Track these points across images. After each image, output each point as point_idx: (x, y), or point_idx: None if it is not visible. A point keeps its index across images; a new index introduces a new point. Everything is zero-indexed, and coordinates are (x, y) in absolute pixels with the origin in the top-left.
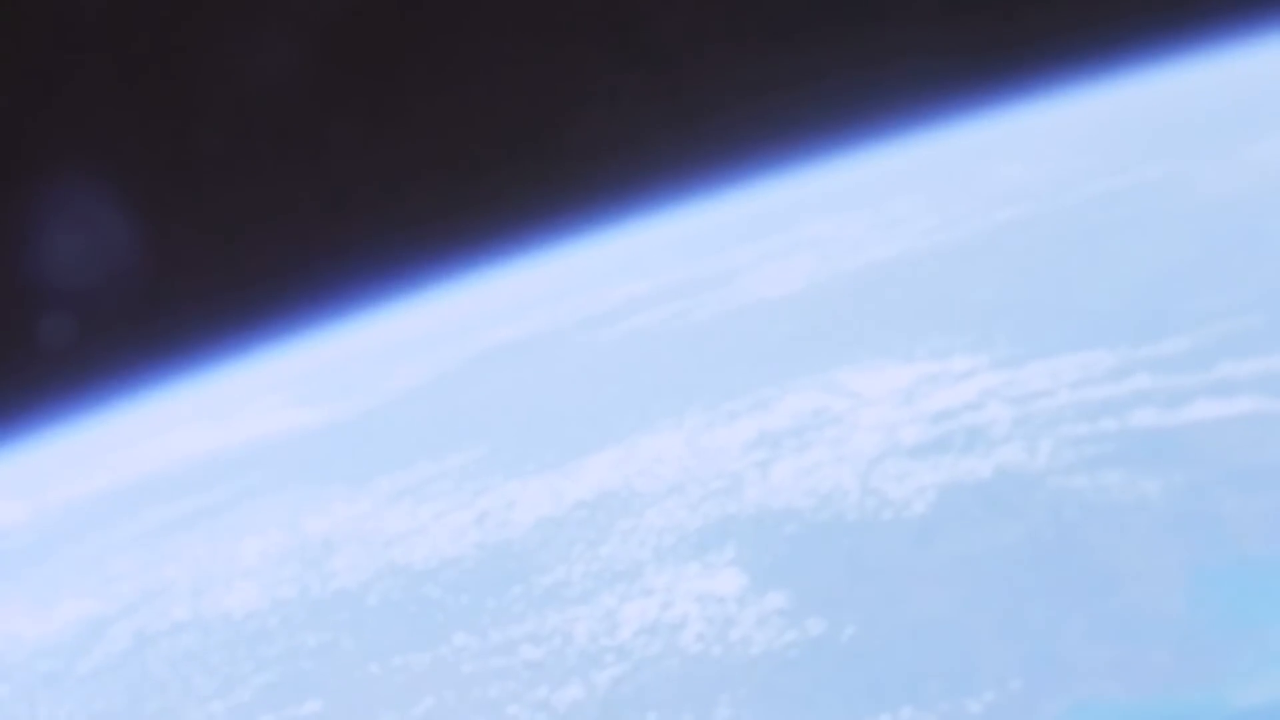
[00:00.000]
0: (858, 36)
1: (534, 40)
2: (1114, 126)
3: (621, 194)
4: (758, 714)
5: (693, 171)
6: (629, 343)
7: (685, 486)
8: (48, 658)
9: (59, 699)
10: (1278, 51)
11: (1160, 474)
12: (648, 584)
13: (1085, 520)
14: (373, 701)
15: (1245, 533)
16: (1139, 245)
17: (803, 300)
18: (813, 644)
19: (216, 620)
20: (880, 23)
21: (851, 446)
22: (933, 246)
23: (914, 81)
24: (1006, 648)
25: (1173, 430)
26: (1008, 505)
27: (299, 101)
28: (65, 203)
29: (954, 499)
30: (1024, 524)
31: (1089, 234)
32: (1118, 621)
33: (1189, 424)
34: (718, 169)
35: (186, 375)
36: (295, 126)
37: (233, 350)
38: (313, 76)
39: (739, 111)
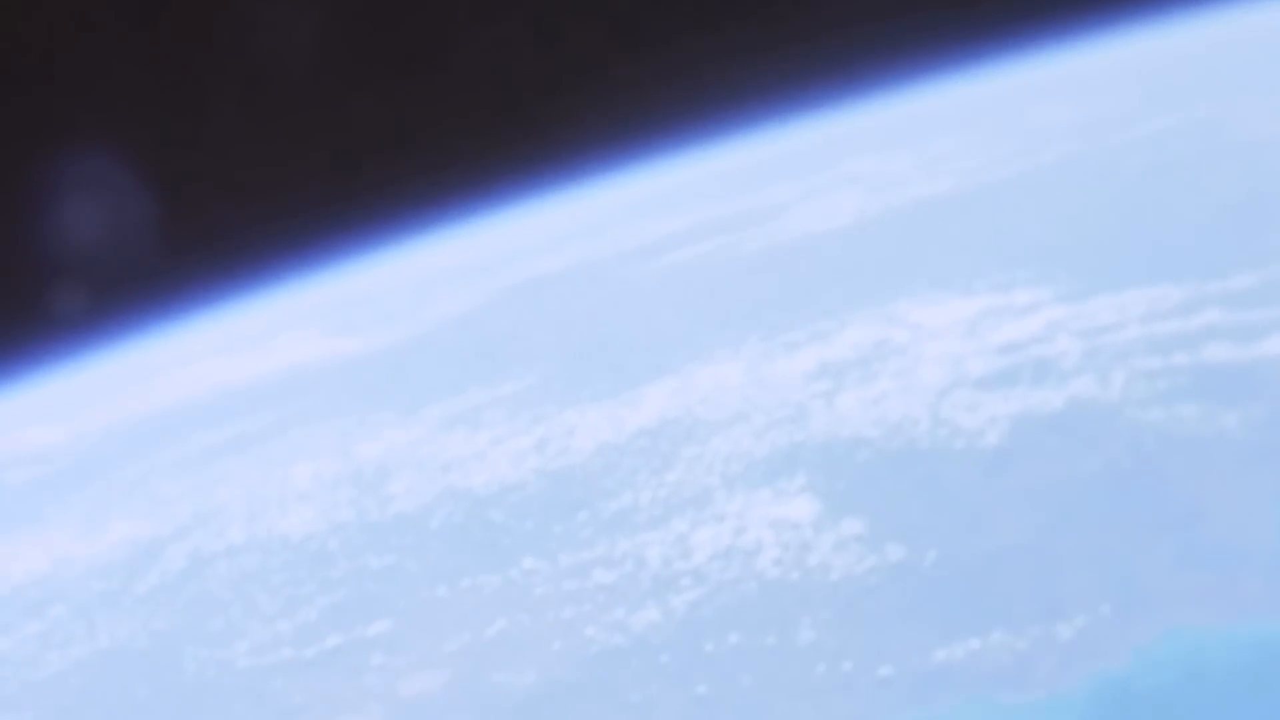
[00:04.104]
0: None
1: None
2: (1159, 68)
3: (659, 130)
4: (842, 637)
5: (731, 108)
6: (675, 275)
7: (749, 415)
8: (103, 578)
9: (119, 617)
10: None
11: (1238, 406)
12: (719, 510)
13: (1165, 451)
14: (444, 623)
15: None
16: (1193, 183)
17: (852, 235)
18: (894, 569)
19: (274, 542)
20: None
21: (917, 377)
22: (980, 184)
23: (951, 21)
24: (1093, 574)
25: (1247, 364)
26: (1084, 436)
27: (341, 36)
28: (106, 134)
29: (1028, 429)
30: (1102, 454)
31: (1141, 172)
32: (1204, 550)
33: (1264, 358)
34: (757, 106)
35: (223, 305)
36: (335, 61)
37: (269, 280)
38: (352, 12)
39: (778, 49)
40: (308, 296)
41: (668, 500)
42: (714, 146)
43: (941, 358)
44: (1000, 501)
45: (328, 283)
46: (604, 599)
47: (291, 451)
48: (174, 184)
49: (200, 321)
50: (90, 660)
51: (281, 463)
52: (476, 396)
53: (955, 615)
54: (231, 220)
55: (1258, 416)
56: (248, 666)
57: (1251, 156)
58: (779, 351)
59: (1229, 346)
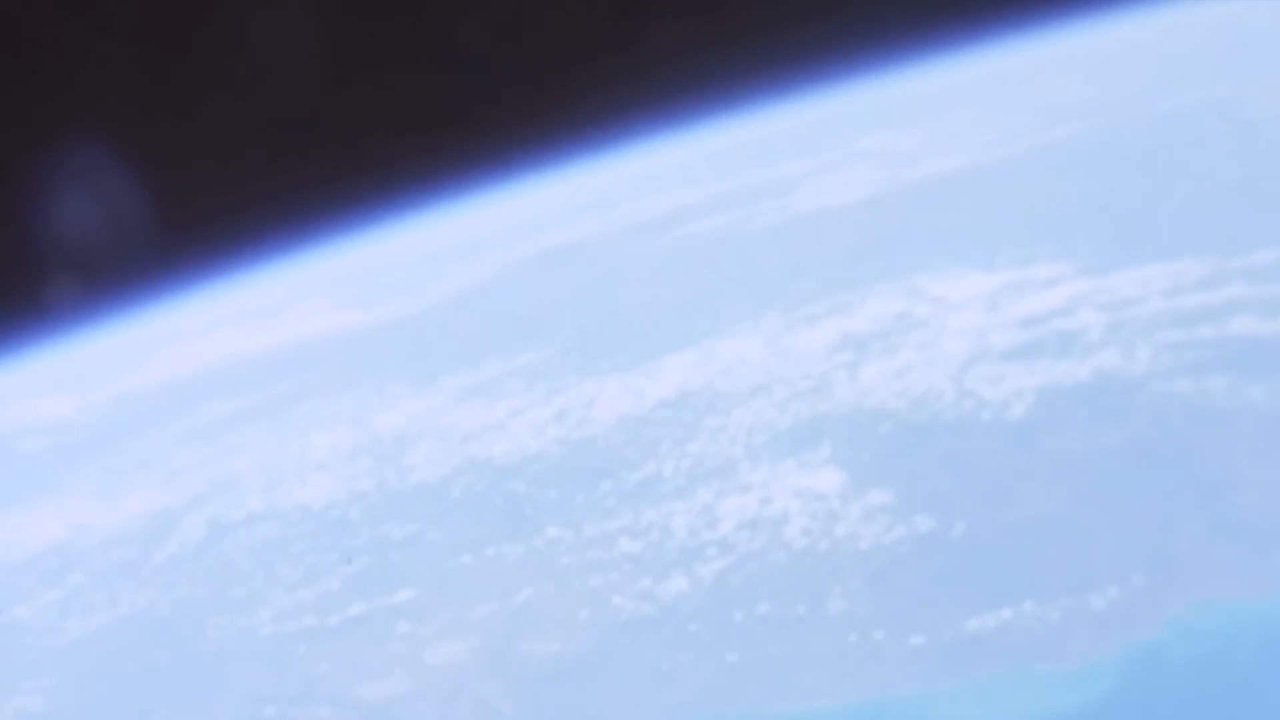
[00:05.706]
0: None
1: None
2: (1177, 44)
3: (670, 104)
4: (873, 606)
5: (743, 82)
6: (688, 248)
7: (771, 387)
8: (122, 546)
9: (138, 585)
10: None
11: (1265, 380)
12: (744, 480)
13: (1192, 423)
14: (469, 591)
15: None
16: (1212, 159)
17: (868, 210)
18: (923, 540)
19: (294, 512)
20: None
21: (940, 350)
22: (996, 159)
23: None
24: (1124, 546)
25: (1274, 337)
26: (1111, 408)
27: (346, 10)
28: (111, 107)
29: (1054, 402)
30: (1129, 427)
31: (1159, 148)
32: (1236, 523)
33: None
34: (769, 80)
35: (234, 277)
36: (344, 33)
37: (281, 253)
38: None
39: (789, 23)
40: (319, 269)
41: (691, 471)
42: (726, 120)
43: (964, 331)
44: (1028, 473)
45: (339, 255)
46: (630, 568)
47: (308, 422)
48: (183, 156)
49: (211, 294)
50: (111, 628)
51: (298, 433)
52: (493, 368)
53: (986, 585)
54: (242, 192)
55: None
56: (271, 634)
57: (1272, 134)
58: (799, 324)
59: (1254, 320)
